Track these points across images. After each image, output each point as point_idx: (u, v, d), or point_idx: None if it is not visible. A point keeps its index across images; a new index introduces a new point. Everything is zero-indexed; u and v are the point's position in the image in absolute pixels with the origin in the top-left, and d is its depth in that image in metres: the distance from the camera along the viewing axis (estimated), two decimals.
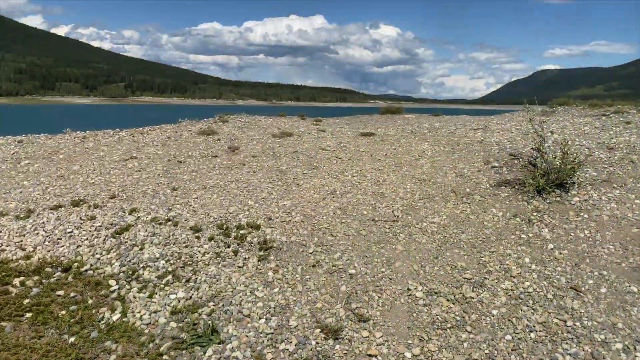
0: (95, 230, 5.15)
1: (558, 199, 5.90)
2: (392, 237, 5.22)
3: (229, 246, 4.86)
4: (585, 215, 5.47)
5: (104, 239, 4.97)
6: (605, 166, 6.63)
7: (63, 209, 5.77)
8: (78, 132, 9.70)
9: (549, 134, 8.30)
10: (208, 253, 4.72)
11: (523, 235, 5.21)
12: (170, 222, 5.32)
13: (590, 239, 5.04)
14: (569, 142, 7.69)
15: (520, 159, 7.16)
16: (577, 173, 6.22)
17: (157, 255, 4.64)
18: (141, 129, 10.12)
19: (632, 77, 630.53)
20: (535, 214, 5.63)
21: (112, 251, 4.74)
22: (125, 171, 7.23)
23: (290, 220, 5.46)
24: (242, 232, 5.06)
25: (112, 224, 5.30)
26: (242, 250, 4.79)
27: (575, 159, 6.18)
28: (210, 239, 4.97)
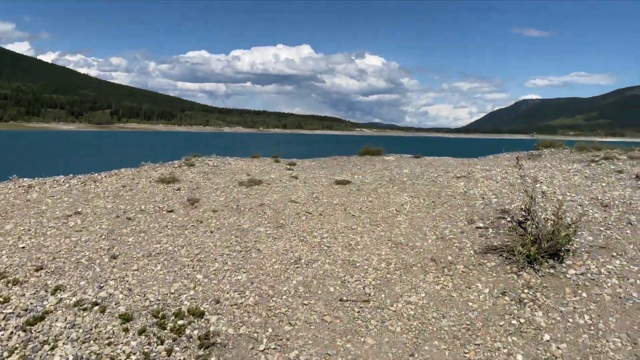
0: (3, 319, 4.27)
1: (551, 270, 5.18)
2: (361, 324, 4.43)
3: (162, 342, 4.01)
4: (584, 294, 4.75)
5: (11, 333, 4.09)
6: (602, 228, 5.96)
7: None
8: (25, 179, 8.83)
9: (537, 185, 7.67)
10: (134, 354, 3.86)
11: (514, 321, 4.46)
12: (97, 307, 4.46)
13: (592, 328, 4.30)
14: (560, 198, 7.06)
15: (508, 218, 6.46)
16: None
17: (70, 358, 3.77)
18: (96, 175, 9.28)
19: (611, 108, 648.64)
20: (526, 290, 4.90)
21: (15, 352, 3.86)
22: (64, 231, 6.37)
23: (242, 303, 4.64)
24: (180, 322, 4.22)
25: (27, 310, 4.43)
26: (178, 349, 3.95)
27: (570, 224, 5.49)
28: (141, 332, 4.12)
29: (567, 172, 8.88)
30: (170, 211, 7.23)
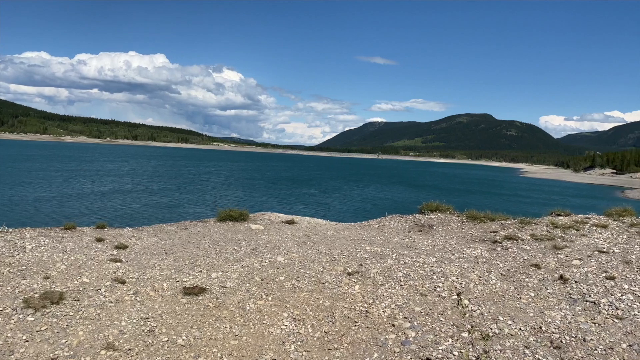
0: None
1: None
2: None
3: None
4: None
5: None
6: None
7: None
8: None
9: (460, 301, 5.81)
10: None
11: None
12: None
13: None
14: (495, 329, 5.25)
15: None
16: None
17: None
18: None
19: (443, 132, 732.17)
20: None
21: None
22: None
23: None
24: None
25: None
26: None
27: None
28: None
29: (475, 263, 7.28)
30: None
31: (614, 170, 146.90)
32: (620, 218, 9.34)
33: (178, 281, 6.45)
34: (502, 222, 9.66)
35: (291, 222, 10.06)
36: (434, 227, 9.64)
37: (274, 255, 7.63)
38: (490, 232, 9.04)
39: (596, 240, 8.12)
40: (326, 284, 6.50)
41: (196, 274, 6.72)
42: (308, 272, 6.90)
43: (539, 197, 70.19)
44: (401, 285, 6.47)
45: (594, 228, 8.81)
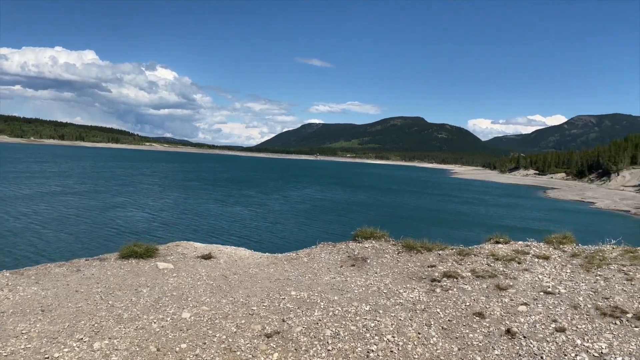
0: None
1: None
2: None
3: None
4: None
5: None
6: None
7: None
8: None
9: None
10: None
11: None
12: None
13: None
14: None
15: None
16: None
17: None
18: None
19: (378, 134, 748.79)
20: None
21: None
22: None
23: None
24: None
25: None
26: None
27: None
28: None
29: (413, 312, 6.39)
30: None
31: (537, 171, 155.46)
32: (561, 246, 8.85)
33: (47, 358, 5.05)
34: (440, 252, 8.90)
35: (208, 257, 8.78)
36: (368, 261, 8.71)
37: (179, 310, 6.36)
38: (428, 266, 8.23)
39: (540, 276, 7.50)
40: (238, 352, 5.35)
41: (74, 345, 5.34)
42: (218, 334, 5.71)
43: (469, 196, 72.69)
44: (328, 350, 5.43)
45: (536, 260, 8.22)
